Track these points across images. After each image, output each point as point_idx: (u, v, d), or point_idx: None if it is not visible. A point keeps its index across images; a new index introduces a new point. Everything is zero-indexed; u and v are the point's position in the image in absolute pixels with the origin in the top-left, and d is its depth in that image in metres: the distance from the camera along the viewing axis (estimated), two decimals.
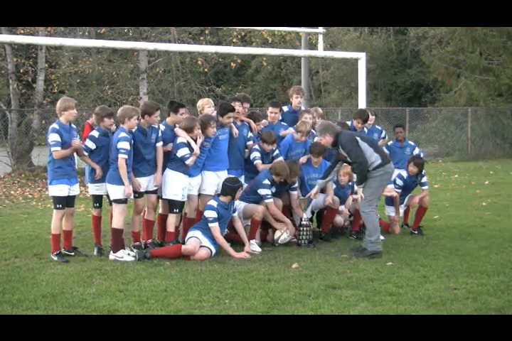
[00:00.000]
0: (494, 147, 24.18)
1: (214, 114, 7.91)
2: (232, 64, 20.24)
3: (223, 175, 7.81)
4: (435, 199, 11.64)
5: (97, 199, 7.57)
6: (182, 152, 7.38)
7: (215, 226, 7.26)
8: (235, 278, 6.23)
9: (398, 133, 9.49)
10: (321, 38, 10.66)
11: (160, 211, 7.90)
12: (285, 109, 8.91)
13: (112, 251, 7.21)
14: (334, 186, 8.33)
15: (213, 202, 7.39)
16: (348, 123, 8.94)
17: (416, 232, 8.74)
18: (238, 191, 7.44)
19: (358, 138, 7.35)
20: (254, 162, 8.07)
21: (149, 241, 7.65)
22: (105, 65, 19.13)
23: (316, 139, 8.14)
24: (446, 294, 5.63)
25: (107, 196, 7.42)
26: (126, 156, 6.95)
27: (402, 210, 9.06)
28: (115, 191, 7.09)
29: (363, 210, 7.40)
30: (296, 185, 8.17)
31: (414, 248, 7.72)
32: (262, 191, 7.80)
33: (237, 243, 7.68)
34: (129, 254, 7.18)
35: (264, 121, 8.56)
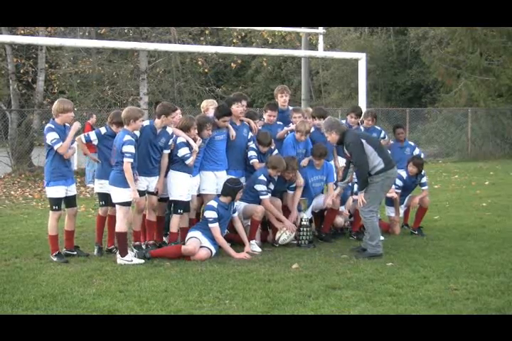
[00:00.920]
0: (494, 147, 24.19)
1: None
2: (232, 64, 20.25)
3: (222, 175, 7.81)
4: (435, 199, 11.64)
5: (102, 197, 7.49)
6: (182, 152, 7.38)
7: (215, 227, 7.26)
8: (235, 279, 6.23)
9: (399, 134, 9.46)
10: (321, 38, 10.66)
11: (156, 213, 7.85)
12: None
13: (119, 256, 7.06)
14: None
15: (213, 203, 7.38)
16: (343, 122, 8.90)
17: (416, 233, 8.74)
18: (238, 192, 7.44)
19: (364, 141, 7.28)
20: (251, 161, 8.05)
21: (151, 241, 7.63)
22: (105, 66, 19.15)
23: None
24: (446, 294, 5.62)
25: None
26: (131, 160, 6.89)
27: (402, 211, 9.06)
28: (119, 194, 7.00)
29: (363, 215, 7.39)
30: (295, 185, 8.15)
31: (415, 248, 7.72)
32: (257, 187, 7.79)
33: (237, 243, 7.68)
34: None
35: (259, 121, 8.55)
